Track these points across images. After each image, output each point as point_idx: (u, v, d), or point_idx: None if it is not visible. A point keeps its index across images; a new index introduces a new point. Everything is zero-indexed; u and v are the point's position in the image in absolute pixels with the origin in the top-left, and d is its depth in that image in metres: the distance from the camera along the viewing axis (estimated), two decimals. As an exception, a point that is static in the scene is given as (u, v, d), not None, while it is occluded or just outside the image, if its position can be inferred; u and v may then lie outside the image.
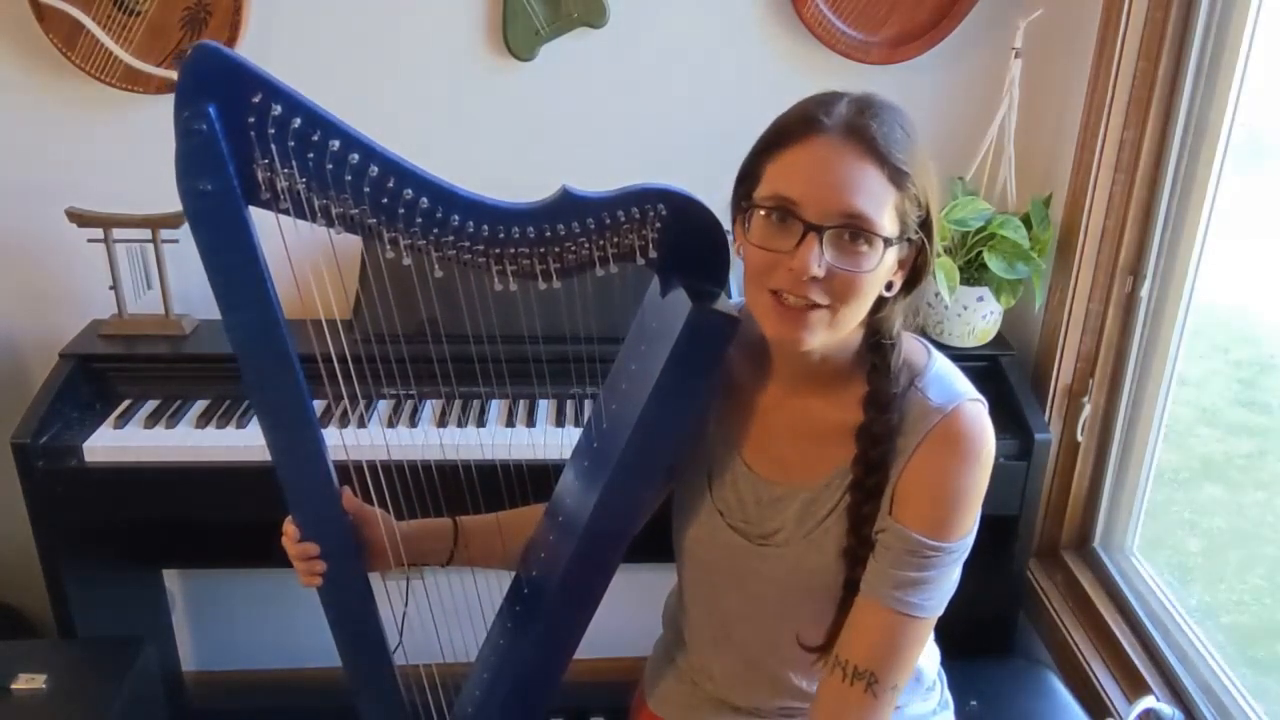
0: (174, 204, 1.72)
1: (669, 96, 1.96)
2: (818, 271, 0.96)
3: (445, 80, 1.92)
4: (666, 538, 1.26)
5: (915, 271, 1.04)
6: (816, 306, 0.98)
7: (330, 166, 0.95)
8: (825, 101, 1.00)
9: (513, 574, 1.29)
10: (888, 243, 0.97)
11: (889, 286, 1.03)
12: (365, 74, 1.90)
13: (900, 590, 1.02)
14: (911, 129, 1.00)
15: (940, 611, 1.05)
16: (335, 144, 0.94)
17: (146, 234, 1.84)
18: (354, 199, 0.97)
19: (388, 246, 1.00)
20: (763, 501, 1.14)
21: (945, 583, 1.04)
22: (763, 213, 0.99)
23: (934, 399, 1.04)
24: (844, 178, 0.96)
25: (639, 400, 1.11)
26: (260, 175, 0.95)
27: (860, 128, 0.96)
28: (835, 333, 1.01)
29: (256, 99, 0.91)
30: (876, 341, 1.06)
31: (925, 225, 1.01)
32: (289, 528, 1.14)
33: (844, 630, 1.08)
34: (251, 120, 0.92)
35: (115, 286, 1.89)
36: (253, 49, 1.83)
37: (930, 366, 1.07)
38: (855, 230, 0.96)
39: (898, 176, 0.96)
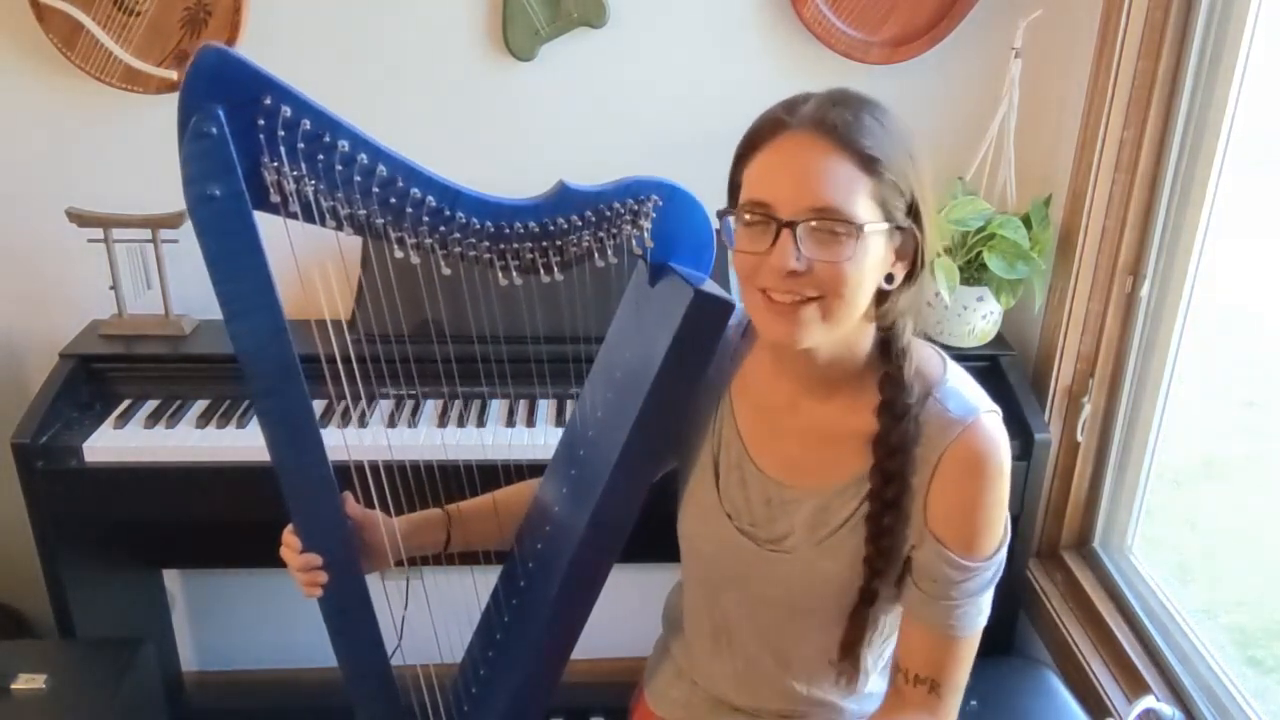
0: (174, 204, 1.73)
1: (669, 96, 1.96)
2: (796, 265, 0.96)
3: (445, 80, 1.92)
4: (666, 537, 1.25)
5: (913, 261, 1.03)
6: (807, 301, 0.98)
7: (340, 167, 0.95)
8: (793, 102, 1.00)
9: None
10: (863, 230, 0.95)
11: (889, 279, 1.02)
12: (365, 74, 1.90)
13: (952, 617, 1.07)
14: (886, 118, 0.99)
15: (986, 620, 1.10)
16: (344, 144, 0.94)
17: (146, 234, 1.84)
18: (363, 199, 0.97)
19: (395, 246, 1.00)
20: (771, 503, 1.13)
21: (989, 593, 1.09)
22: (745, 218, 1.00)
23: (953, 411, 1.04)
24: (811, 170, 0.95)
25: (641, 386, 1.11)
26: (268, 178, 0.94)
27: (824, 119, 0.96)
28: (831, 328, 1.00)
29: (266, 101, 0.91)
30: (887, 347, 1.06)
31: (913, 212, 1.00)
32: (289, 539, 1.12)
33: (902, 648, 1.13)
34: (261, 122, 0.92)
35: (115, 287, 1.89)
36: (252, 49, 1.80)
37: (946, 377, 1.07)
38: (827, 220, 0.95)
39: (869, 163, 0.95)
